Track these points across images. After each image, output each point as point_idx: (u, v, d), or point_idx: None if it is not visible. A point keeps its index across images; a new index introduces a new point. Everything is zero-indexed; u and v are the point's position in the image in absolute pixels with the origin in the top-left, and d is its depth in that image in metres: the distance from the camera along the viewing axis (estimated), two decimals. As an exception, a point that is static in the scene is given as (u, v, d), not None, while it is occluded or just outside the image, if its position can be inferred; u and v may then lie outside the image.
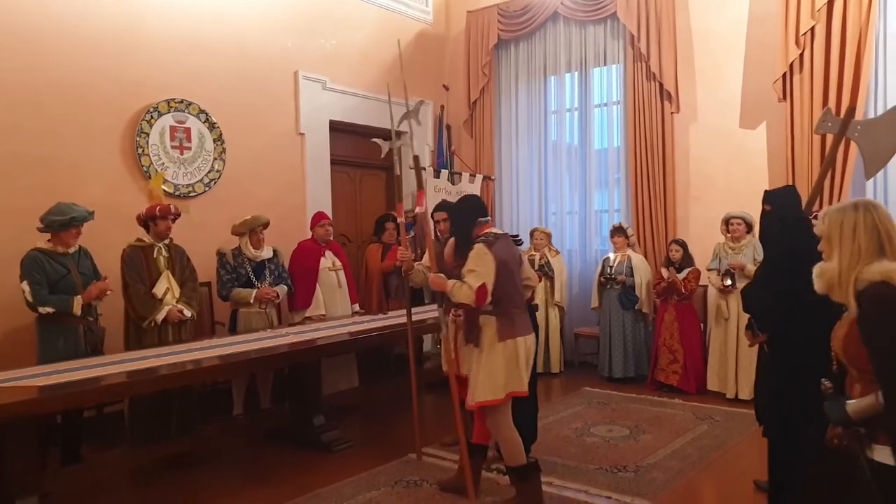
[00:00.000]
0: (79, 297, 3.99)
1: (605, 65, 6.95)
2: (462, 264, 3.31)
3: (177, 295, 4.50)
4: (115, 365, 3.66)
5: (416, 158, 4.21)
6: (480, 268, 3.22)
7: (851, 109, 3.59)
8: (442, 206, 4.44)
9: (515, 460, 3.33)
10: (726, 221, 5.59)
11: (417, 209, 4.05)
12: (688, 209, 6.45)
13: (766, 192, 3.40)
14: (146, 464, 4.18)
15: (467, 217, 3.49)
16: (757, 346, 3.39)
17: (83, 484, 3.91)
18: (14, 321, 4.31)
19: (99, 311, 4.30)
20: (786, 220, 3.07)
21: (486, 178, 7.50)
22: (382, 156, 4.52)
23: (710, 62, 6.38)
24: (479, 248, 3.27)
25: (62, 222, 4.00)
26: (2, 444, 3.18)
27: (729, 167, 6.26)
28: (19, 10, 4.62)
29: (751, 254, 5.49)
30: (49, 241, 4.06)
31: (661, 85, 6.42)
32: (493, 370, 3.27)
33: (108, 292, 4.19)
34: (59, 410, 3.78)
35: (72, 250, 4.11)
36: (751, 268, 5.41)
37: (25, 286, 3.87)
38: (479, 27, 7.57)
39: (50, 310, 3.88)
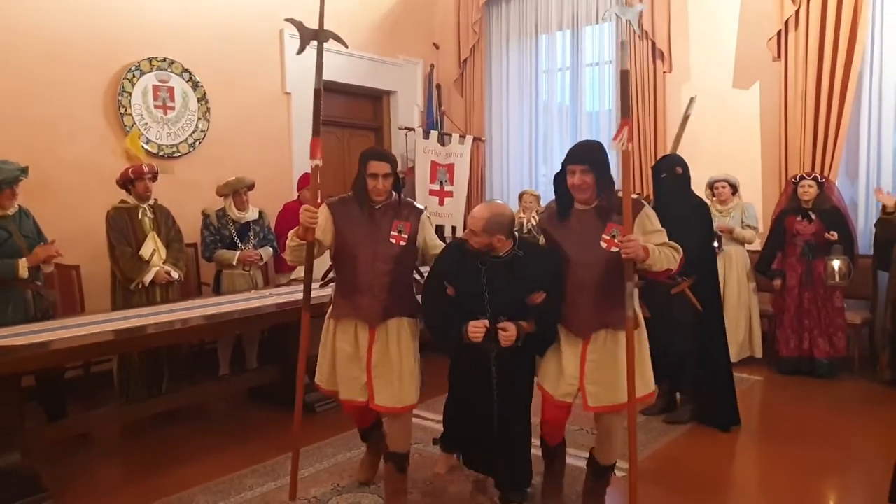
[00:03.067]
0: (23, 259, 3.78)
1: (597, 23, 6.82)
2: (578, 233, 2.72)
3: (163, 256, 4.46)
4: (102, 324, 3.68)
5: (316, 93, 3.18)
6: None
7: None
8: (383, 154, 3.06)
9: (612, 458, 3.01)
10: (711, 185, 5.55)
11: (312, 162, 3.03)
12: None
13: (667, 157, 4.31)
14: (132, 422, 4.21)
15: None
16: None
17: (67, 440, 3.94)
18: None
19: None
20: (688, 180, 4.04)
21: (477, 139, 7.42)
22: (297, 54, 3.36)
23: (705, 20, 6.25)
24: (649, 209, 2.76)
25: None
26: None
27: (721, 129, 6.18)
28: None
29: (738, 216, 5.46)
30: None
31: (653, 44, 6.30)
32: (645, 356, 2.81)
33: (57, 256, 3.98)
34: (43, 369, 3.78)
35: (11, 211, 3.85)
36: (739, 230, 5.39)
37: None
38: (470, -16, 7.39)
39: None
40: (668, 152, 5.06)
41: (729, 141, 6.14)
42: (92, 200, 4.68)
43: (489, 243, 2.72)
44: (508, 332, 2.70)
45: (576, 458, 3.38)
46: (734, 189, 5.54)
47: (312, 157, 3.04)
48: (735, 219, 5.46)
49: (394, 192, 3.02)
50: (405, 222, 2.99)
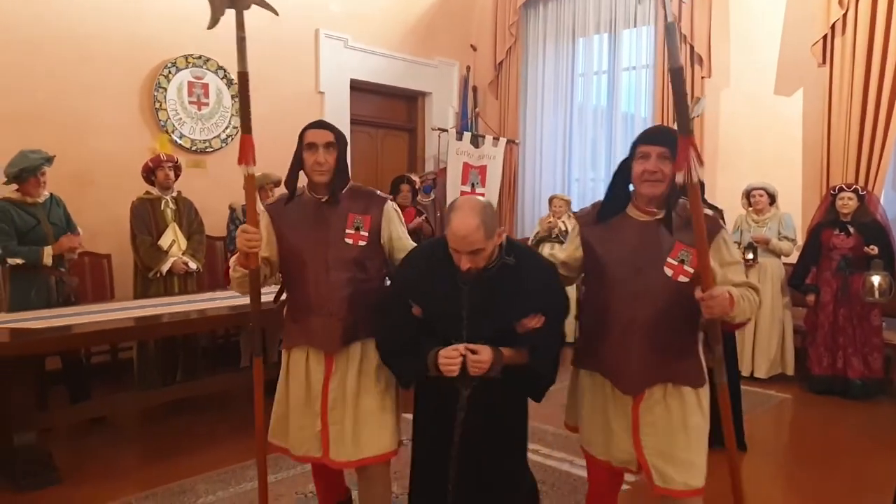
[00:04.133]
0: (49, 247, 3.93)
1: (635, 26, 6.69)
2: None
3: (183, 247, 4.56)
4: (118, 311, 3.80)
5: (241, 76, 2.42)
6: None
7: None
8: (323, 123, 2.44)
9: None
10: (747, 194, 5.36)
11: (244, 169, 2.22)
12: (714, 178, 6.19)
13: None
14: (148, 408, 4.31)
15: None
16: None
17: (84, 423, 4.05)
18: None
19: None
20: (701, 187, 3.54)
21: (510, 142, 7.36)
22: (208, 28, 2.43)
23: (747, 24, 6.07)
24: (726, 233, 2.11)
25: (14, 174, 3.85)
26: (2, 383, 3.32)
27: (760, 135, 5.98)
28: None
29: (776, 227, 5.26)
30: (17, 190, 3.94)
31: (692, 47, 6.14)
32: (704, 430, 2.11)
33: (79, 247, 4.12)
34: (63, 352, 3.93)
35: (41, 199, 4.00)
36: (776, 242, 5.19)
37: None
38: (507, -14, 7.35)
39: (19, 261, 3.84)
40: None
41: (768, 148, 5.93)
42: (124, 193, 4.81)
43: (490, 253, 2.02)
44: (481, 358, 1.99)
45: (578, 468, 3.30)
46: (772, 198, 5.34)
47: (242, 161, 2.23)
48: (772, 229, 5.26)
49: (342, 177, 2.31)
50: (363, 216, 2.32)
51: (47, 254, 3.92)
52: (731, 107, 6.17)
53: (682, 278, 1.98)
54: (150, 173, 4.53)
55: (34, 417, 3.45)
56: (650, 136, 2.00)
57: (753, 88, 6.02)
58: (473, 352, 2.00)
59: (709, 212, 2.10)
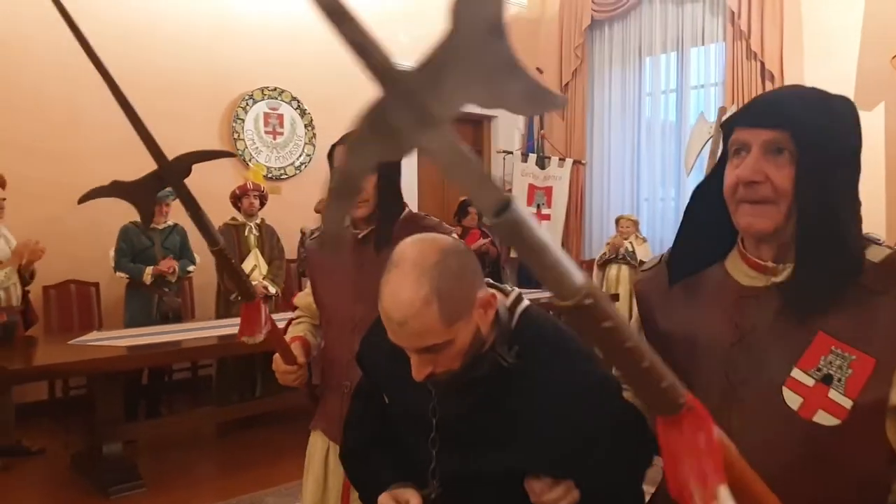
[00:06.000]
0: (150, 268, 4.39)
1: (703, 44, 6.61)
2: None
3: (263, 272, 4.82)
4: (198, 331, 4.10)
5: (216, 253, 1.67)
6: None
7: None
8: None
9: None
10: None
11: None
12: (789, 197, 6.02)
13: None
14: (226, 422, 4.56)
15: None
16: None
17: (165, 435, 4.33)
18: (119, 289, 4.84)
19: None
20: None
21: (577, 163, 7.38)
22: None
23: (821, 38, 5.89)
24: None
25: None
26: (93, 396, 3.63)
27: (837, 152, 5.78)
28: (126, 7, 5.10)
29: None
30: None
31: (762, 64, 6.02)
32: None
33: (169, 272, 4.49)
34: (143, 367, 4.27)
35: (161, 226, 4.53)
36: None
37: (111, 253, 4.38)
38: (573, 9, 7.41)
39: (123, 275, 4.34)
40: (688, 170, 4.80)
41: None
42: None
43: (466, 346, 1.10)
44: None
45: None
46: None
47: (246, 333, 1.67)
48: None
49: (389, 207, 1.76)
50: None
51: (147, 273, 4.38)
52: (805, 123, 5.99)
53: (824, 416, 0.96)
54: (236, 200, 4.86)
55: (122, 429, 3.74)
56: (754, 113, 1.04)
57: (829, 103, 5.83)
58: None
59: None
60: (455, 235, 1.72)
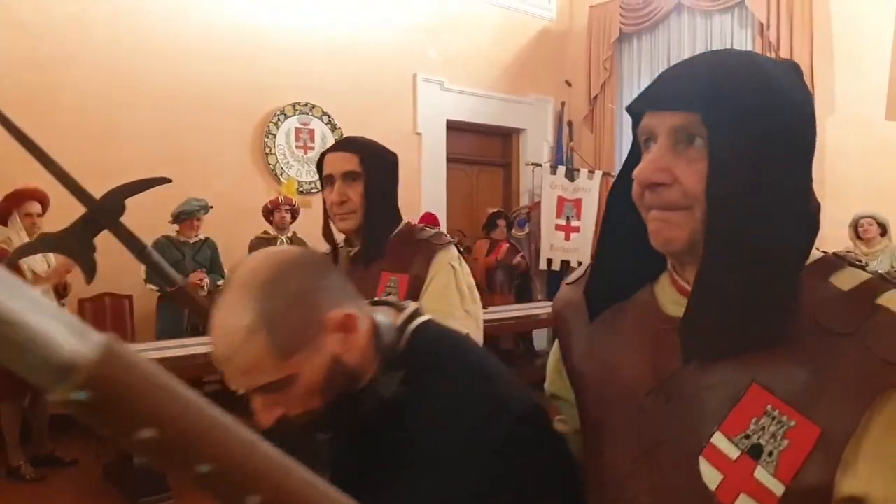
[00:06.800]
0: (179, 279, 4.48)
1: (732, 55, 6.56)
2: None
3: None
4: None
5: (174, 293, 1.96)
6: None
7: None
8: (344, 143, 1.80)
9: None
10: (855, 224, 5.10)
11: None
12: (823, 209, 5.86)
13: None
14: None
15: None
16: None
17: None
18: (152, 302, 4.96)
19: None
20: None
21: (606, 175, 7.35)
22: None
23: (852, 48, 5.82)
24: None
25: (175, 214, 4.59)
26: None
27: (870, 163, 5.68)
28: (163, 25, 5.26)
29: (887, 260, 4.97)
30: (177, 230, 4.67)
31: (793, 74, 5.96)
32: None
33: (197, 284, 4.57)
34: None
35: (193, 240, 4.66)
36: (887, 275, 4.89)
37: (142, 266, 4.45)
38: (601, 21, 7.43)
39: (154, 288, 4.44)
40: None
41: (880, 177, 5.62)
42: (238, 231, 5.25)
43: (322, 382, 0.89)
44: None
45: None
46: (883, 228, 5.06)
47: None
48: (883, 263, 4.97)
49: (381, 219, 1.64)
50: (400, 274, 1.59)
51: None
52: (838, 133, 5.89)
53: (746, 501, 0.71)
54: (268, 214, 4.98)
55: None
56: (655, 90, 0.81)
57: (862, 114, 5.74)
58: None
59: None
60: (455, 242, 1.73)
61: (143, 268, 4.49)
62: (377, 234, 1.64)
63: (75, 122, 4.88)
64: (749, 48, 6.36)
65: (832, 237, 5.71)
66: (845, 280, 0.74)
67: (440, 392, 0.92)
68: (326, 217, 1.71)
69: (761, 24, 6.11)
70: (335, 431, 0.97)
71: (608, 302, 0.89)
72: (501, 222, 6.40)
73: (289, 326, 0.84)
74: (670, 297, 0.83)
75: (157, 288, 4.50)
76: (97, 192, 5.27)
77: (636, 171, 0.78)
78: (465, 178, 7.37)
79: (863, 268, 0.76)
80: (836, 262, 0.77)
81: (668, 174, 0.75)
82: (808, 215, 0.78)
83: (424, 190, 6.72)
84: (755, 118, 0.72)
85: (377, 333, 0.94)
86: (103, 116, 5.01)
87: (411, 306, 1.02)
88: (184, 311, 4.58)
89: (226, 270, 4.87)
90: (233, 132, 5.63)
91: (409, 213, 6.60)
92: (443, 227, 6.75)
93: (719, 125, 0.72)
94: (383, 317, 0.98)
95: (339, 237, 1.78)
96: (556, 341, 1.02)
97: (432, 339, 0.99)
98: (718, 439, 0.72)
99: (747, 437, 0.71)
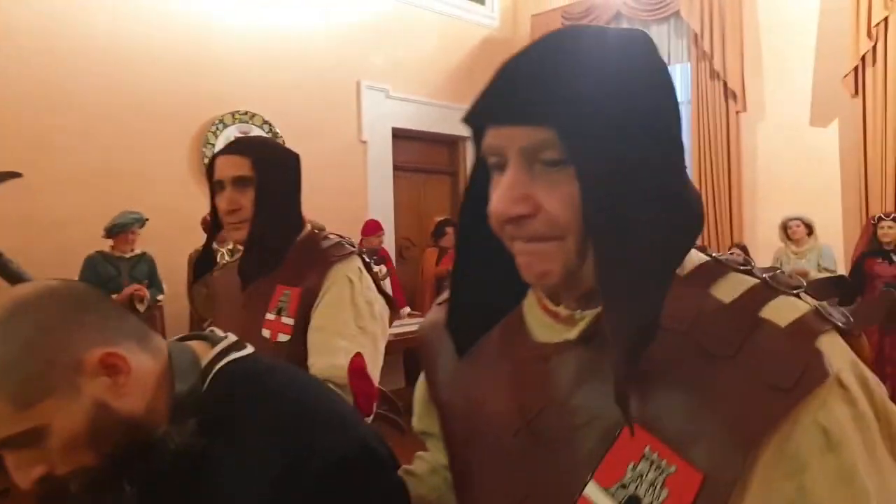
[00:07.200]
0: (114, 297, 4.33)
1: (669, 64, 6.72)
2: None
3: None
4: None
5: None
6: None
7: None
8: (235, 145, 1.59)
9: None
10: (784, 226, 5.32)
11: None
12: (755, 212, 6.17)
13: None
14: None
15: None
16: None
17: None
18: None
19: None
20: None
21: (549, 182, 7.48)
22: None
23: (779, 58, 6.08)
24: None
25: (108, 228, 4.46)
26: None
27: (799, 167, 5.94)
28: (95, 31, 5.11)
29: (815, 259, 5.20)
30: (111, 245, 4.53)
31: (725, 84, 6.18)
32: None
33: (137, 295, 4.48)
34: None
35: (129, 255, 4.52)
36: (815, 274, 5.12)
37: None
38: (544, 29, 7.49)
39: None
40: None
41: (807, 180, 5.87)
42: (176, 245, 5.13)
43: (71, 441, 0.77)
44: None
45: None
46: (809, 229, 5.29)
47: None
48: (811, 261, 5.20)
49: (275, 228, 1.51)
50: (293, 287, 1.46)
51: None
52: (768, 140, 6.15)
53: None
54: (206, 226, 4.88)
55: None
56: (494, 96, 0.67)
57: (789, 121, 6.00)
58: None
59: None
60: (361, 252, 1.58)
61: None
62: (270, 244, 1.51)
63: (1, 135, 4.70)
64: (685, 57, 6.58)
65: (765, 237, 5.97)
66: (727, 289, 0.63)
67: (240, 442, 0.81)
68: (212, 227, 1.59)
69: (696, 34, 6.32)
70: (137, 487, 0.82)
71: (475, 334, 0.76)
72: (450, 230, 6.42)
73: (25, 371, 0.74)
74: (539, 321, 0.72)
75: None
76: (26, 206, 5.09)
77: (492, 206, 0.64)
78: (413, 186, 7.38)
79: (749, 272, 0.65)
80: (718, 268, 0.66)
81: (528, 204, 0.62)
82: (689, 213, 0.66)
83: (371, 198, 6.70)
84: (618, 120, 0.60)
85: (172, 374, 0.83)
86: (31, 127, 4.84)
87: (225, 340, 0.91)
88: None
89: (164, 286, 4.76)
90: (169, 142, 5.50)
91: (356, 221, 6.56)
92: (390, 236, 6.75)
93: (579, 138, 0.59)
94: (190, 353, 0.87)
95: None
96: (423, 372, 0.88)
97: (239, 379, 0.87)
98: (592, 490, 0.61)
99: (624, 486, 0.60)
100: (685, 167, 0.68)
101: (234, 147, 1.53)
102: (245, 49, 5.90)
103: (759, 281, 0.63)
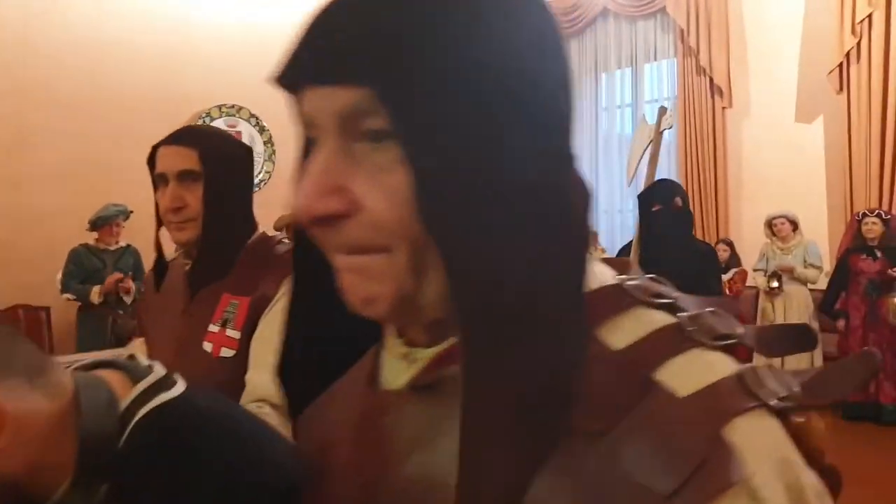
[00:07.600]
0: (97, 287, 4.30)
1: (655, 60, 6.82)
2: None
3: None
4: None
5: None
6: None
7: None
8: (179, 135, 1.39)
9: None
10: (769, 223, 5.36)
11: None
12: (740, 207, 6.22)
13: (663, 183, 3.50)
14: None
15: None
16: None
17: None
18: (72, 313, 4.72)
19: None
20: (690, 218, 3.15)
21: (536, 177, 7.49)
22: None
23: (764, 54, 6.13)
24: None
25: (93, 221, 4.41)
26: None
27: (784, 163, 5.99)
28: (78, 24, 5.04)
29: (801, 255, 5.24)
30: (96, 238, 4.47)
31: (711, 80, 6.22)
32: None
33: (123, 286, 4.41)
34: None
35: (113, 247, 4.47)
36: (801, 270, 5.17)
37: (58, 275, 4.31)
38: (530, 26, 7.56)
39: (71, 297, 4.27)
40: (630, 178, 4.35)
41: (792, 177, 5.93)
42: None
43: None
44: None
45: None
46: (794, 226, 5.34)
47: None
48: (797, 257, 5.25)
49: (224, 228, 1.32)
50: (242, 297, 1.29)
51: (94, 293, 4.28)
52: (754, 136, 6.20)
53: None
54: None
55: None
56: (302, 56, 0.47)
57: (774, 117, 6.06)
58: None
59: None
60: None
61: (58, 278, 4.31)
62: (219, 248, 1.31)
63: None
64: (671, 53, 6.62)
65: (751, 232, 6.02)
66: (624, 331, 0.44)
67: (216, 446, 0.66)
68: (158, 224, 1.37)
69: (682, 30, 6.35)
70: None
71: (312, 393, 0.60)
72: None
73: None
74: (390, 359, 0.52)
75: (74, 297, 4.31)
76: (10, 200, 5.04)
77: (294, 200, 0.44)
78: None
79: (668, 306, 0.46)
80: (619, 297, 0.46)
81: (342, 198, 0.43)
82: (573, 214, 0.46)
83: (357, 193, 6.66)
84: (467, 84, 0.41)
85: (80, 418, 0.65)
86: (14, 121, 4.75)
87: (151, 376, 0.71)
88: (106, 322, 4.40)
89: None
90: (155, 136, 5.36)
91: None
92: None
93: (407, 101, 0.41)
94: (105, 392, 0.68)
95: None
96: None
97: (167, 433, 0.67)
98: None
99: None
100: (572, 156, 0.48)
101: (180, 137, 1.34)
102: (231, 42, 5.84)
103: (671, 323, 0.44)
